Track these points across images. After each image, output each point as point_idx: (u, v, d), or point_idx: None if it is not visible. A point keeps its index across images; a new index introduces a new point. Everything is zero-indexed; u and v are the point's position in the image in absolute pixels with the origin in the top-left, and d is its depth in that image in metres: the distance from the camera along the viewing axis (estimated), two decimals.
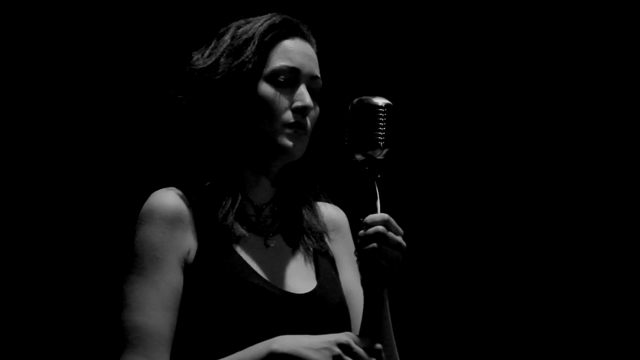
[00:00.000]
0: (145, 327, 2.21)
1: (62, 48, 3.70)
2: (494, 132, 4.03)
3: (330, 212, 2.46)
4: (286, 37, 2.34)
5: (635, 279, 3.96)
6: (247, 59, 2.30)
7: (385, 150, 2.18)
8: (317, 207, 2.43)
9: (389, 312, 2.27)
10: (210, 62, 2.33)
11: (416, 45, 3.99)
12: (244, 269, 2.26)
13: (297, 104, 2.30)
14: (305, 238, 2.38)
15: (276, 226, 2.36)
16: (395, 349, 2.31)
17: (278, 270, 2.32)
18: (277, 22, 2.34)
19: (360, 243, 2.14)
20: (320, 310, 2.29)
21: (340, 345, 2.12)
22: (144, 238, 2.25)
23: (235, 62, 2.31)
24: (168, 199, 2.27)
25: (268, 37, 2.32)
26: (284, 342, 2.15)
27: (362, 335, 2.15)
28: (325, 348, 2.12)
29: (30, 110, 3.69)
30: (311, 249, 2.38)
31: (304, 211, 2.40)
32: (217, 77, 2.31)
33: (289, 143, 2.29)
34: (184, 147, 2.35)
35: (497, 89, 4.02)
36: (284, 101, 2.30)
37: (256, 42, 2.31)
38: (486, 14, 4.00)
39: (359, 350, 2.12)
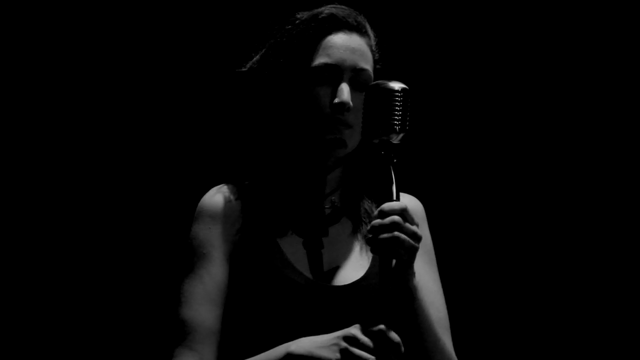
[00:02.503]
0: (192, 321, 2.26)
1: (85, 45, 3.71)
2: (502, 128, 4.03)
3: (405, 202, 2.42)
4: (329, 32, 2.34)
5: (635, 279, 3.98)
6: (292, 57, 2.32)
7: (401, 135, 2.18)
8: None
9: (423, 302, 2.23)
10: (260, 60, 2.37)
11: (429, 35, 4.00)
12: (281, 261, 2.28)
13: (335, 100, 2.30)
14: (363, 228, 2.38)
15: (333, 218, 2.37)
16: (441, 341, 2.26)
17: (324, 263, 2.33)
18: (320, 17, 2.35)
19: (376, 230, 2.12)
20: (361, 301, 2.28)
21: (347, 339, 2.11)
22: (193, 235, 2.33)
23: (281, 60, 2.34)
24: (216, 196, 2.35)
25: (311, 33, 2.33)
26: (300, 344, 2.16)
27: (378, 323, 2.12)
28: (333, 344, 2.12)
29: (50, 108, 3.70)
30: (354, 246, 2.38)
31: (364, 203, 2.41)
32: (266, 74, 2.35)
33: (331, 137, 2.30)
34: (236, 144, 2.39)
35: (504, 86, 4.03)
36: (324, 98, 2.31)
37: (300, 40, 2.33)
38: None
39: (365, 340, 2.10)
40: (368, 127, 2.19)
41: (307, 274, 2.29)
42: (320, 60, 2.32)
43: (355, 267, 2.33)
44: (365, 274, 2.32)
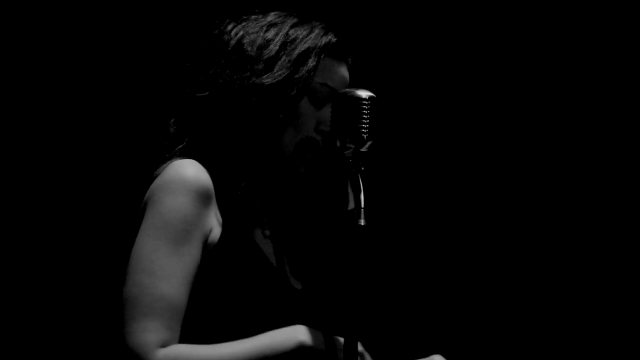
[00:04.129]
0: (171, 298, 2.16)
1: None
2: (481, 126, 4.05)
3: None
4: (337, 59, 2.39)
5: (633, 279, 3.99)
6: (305, 73, 2.33)
7: (368, 143, 2.19)
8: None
9: None
10: (264, 64, 2.35)
11: (402, 37, 4.02)
12: (265, 261, 2.28)
13: (323, 127, 2.36)
14: (290, 231, 2.42)
15: (269, 217, 2.39)
16: None
17: (280, 262, 2.35)
18: (333, 41, 2.38)
19: None
20: (314, 304, 2.33)
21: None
22: (176, 207, 2.20)
23: (291, 73, 2.33)
24: (201, 173, 2.24)
25: (324, 54, 2.37)
26: (308, 335, 2.17)
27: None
28: None
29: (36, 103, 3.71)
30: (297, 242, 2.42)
31: (287, 202, 2.44)
32: (268, 81, 2.33)
33: (301, 168, 2.35)
34: (209, 132, 2.33)
35: (486, 83, 4.04)
36: (311, 119, 2.36)
37: (315, 58, 2.35)
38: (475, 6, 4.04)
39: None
40: (336, 136, 2.21)
41: (291, 279, 2.32)
42: (327, 82, 2.36)
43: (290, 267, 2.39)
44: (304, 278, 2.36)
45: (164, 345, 2.14)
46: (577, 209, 4.01)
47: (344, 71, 2.40)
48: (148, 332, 2.13)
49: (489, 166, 4.04)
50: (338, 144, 2.20)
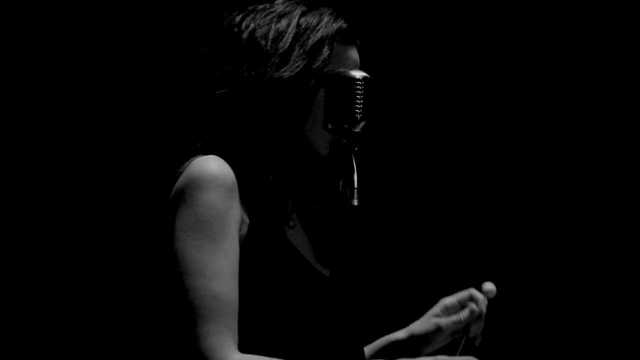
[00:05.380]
0: (225, 297, 2.12)
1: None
2: (479, 116, 4.05)
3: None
4: (347, 43, 2.34)
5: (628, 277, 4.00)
6: (321, 62, 2.28)
7: (362, 124, 2.19)
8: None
9: None
10: (280, 57, 2.29)
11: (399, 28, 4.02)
12: (296, 254, 2.26)
13: None
14: (311, 220, 2.39)
15: (292, 208, 2.36)
16: None
17: (306, 252, 2.32)
18: (344, 27, 2.33)
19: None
20: (342, 291, 2.30)
21: None
22: (209, 204, 2.16)
23: (308, 64, 2.28)
24: (226, 168, 2.20)
25: (336, 41, 2.32)
26: None
27: None
28: None
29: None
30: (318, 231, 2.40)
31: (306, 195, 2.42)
32: (287, 74, 2.28)
33: (324, 152, 2.30)
34: (231, 128, 2.29)
35: (495, 84, 4.04)
36: None
37: (329, 46, 2.30)
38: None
39: None
40: (329, 116, 2.20)
41: (319, 268, 2.30)
42: (335, 66, 2.31)
43: (320, 258, 2.37)
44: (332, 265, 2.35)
45: (230, 347, 2.11)
46: (573, 204, 4.02)
47: (355, 54, 2.37)
48: (211, 335, 2.10)
49: (486, 157, 4.04)
50: (330, 125, 2.19)
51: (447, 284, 3.97)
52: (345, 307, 2.25)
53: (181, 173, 2.22)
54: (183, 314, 2.11)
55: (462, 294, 2.47)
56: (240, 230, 2.21)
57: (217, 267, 2.13)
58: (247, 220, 2.22)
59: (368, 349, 2.48)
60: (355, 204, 2.13)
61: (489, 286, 2.46)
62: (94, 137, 3.72)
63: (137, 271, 3.62)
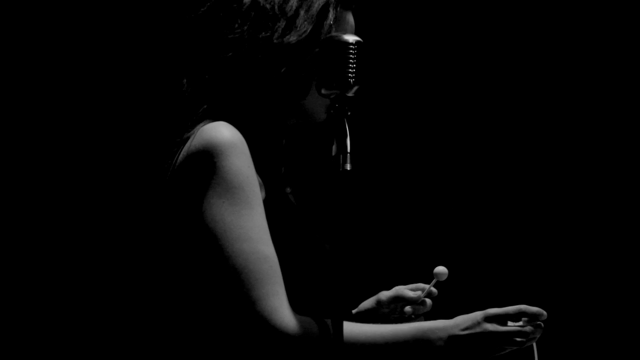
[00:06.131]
0: (274, 257, 2.15)
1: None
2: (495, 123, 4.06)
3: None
4: (346, 8, 2.37)
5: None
6: (327, 27, 2.30)
7: (355, 88, 2.19)
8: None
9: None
10: (286, 22, 2.31)
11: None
12: (301, 219, 2.29)
13: None
14: (303, 190, 2.42)
15: (289, 174, 2.39)
16: None
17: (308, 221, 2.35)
18: None
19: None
20: (341, 261, 2.31)
21: (489, 319, 2.17)
22: (237, 170, 2.17)
23: (314, 29, 2.30)
24: (239, 133, 2.20)
25: (339, 7, 2.34)
26: (439, 333, 2.17)
27: None
28: (481, 332, 2.17)
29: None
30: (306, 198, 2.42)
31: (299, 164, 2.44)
32: (294, 39, 2.29)
33: (323, 117, 2.33)
34: (236, 93, 2.30)
35: (494, 82, 4.05)
36: None
37: (334, 11, 2.32)
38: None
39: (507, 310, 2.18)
40: (322, 81, 2.19)
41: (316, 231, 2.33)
42: (336, 32, 2.32)
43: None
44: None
45: (287, 306, 2.13)
46: (569, 201, 4.03)
47: (352, 19, 2.39)
48: (270, 297, 2.11)
49: (482, 131, 4.05)
50: (323, 90, 2.19)
51: (436, 248, 4.00)
52: (339, 271, 2.25)
53: (188, 138, 2.22)
54: (234, 281, 2.11)
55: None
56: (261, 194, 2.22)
57: (260, 229, 2.15)
58: (262, 184, 2.24)
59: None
60: (348, 169, 2.13)
61: (440, 269, 2.47)
62: (91, 107, 3.73)
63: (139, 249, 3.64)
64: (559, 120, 4.04)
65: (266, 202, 2.23)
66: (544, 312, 2.21)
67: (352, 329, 2.16)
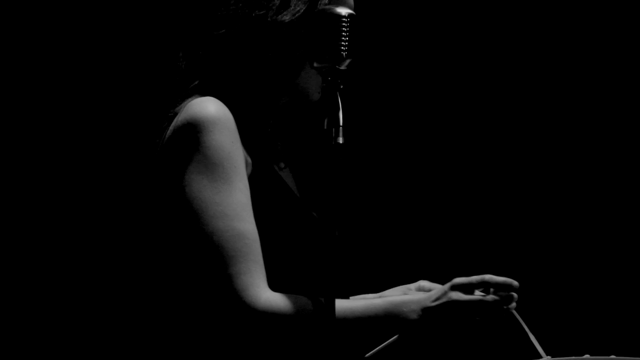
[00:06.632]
0: (250, 234, 2.15)
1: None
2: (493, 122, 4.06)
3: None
4: None
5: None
6: (321, 6, 2.29)
7: (347, 61, 2.17)
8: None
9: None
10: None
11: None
12: (290, 193, 2.28)
13: None
14: (295, 168, 2.42)
15: (283, 150, 2.38)
16: None
17: (300, 193, 2.36)
18: None
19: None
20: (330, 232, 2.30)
21: (455, 287, 2.18)
22: (218, 146, 2.17)
23: (308, 8, 2.30)
24: (225, 109, 2.21)
25: None
26: (411, 306, 2.18)
27: None
28: (446, 301, 2.17)
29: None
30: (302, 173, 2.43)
31: (292, 142, 2.44)
32: (287, 17, 2.29)
33: (317, 96, 2.33)
34: (228, 70, 2.30)
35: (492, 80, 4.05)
36: None
37: None
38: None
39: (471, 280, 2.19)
40: (314, 54, 2.18)
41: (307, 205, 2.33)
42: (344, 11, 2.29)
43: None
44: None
45: (261, 285, 2.13)
46: (566, 200, 4.04)
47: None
48: (242, 274, 2.12)
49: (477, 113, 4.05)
50: (315, 63, 2.18)
51: (429, 223, 4.00)
52: (329, 245, 2.25)
53: (176, 114, 2.23)
54: (209, 258, 2.13)
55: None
56: (246, 169, 2.22)
57: (237, 206, 2.15)
58: (249, 160, 2.24)
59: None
60: (341, 142, 2.12)
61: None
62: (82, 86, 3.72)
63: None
64: (554, 114, 4.05)
65: (253, 179, 2.23)
66: (513, 282, 2.21)
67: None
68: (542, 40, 4.03)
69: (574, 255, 4.04)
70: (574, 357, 2.24)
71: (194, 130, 2.17)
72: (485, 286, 2.21)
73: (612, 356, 2.25)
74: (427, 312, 2.18)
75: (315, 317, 2.14)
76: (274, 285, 2.17)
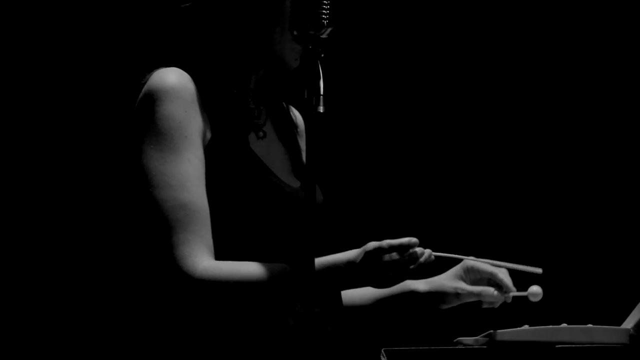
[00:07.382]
0: (193, 205, 2.16)
1: None
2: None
3: (296, 115, 2.47)
4: None
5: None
6: None
7: (329, 29, 2.16)
8: (290, 108, 2.47)
9: None
10: None
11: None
12: (257, 163, 2.27)
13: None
14: (288, 133, 2.41)
15: (264, 120, 2.36)
16: None
17: (276, 163, 2.34)
18: None
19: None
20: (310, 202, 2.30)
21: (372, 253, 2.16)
22: (169, 115, 2.19)
23: None
24: (184, 79, 2.23)
25: None
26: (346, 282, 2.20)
27: None
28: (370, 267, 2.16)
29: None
30: (295, 143, 2.42)
31: (283, 108, 2.43)
32: None
33: (295, 64, 2.31)
34: (196, 40, 2.30)
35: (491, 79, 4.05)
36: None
37: None
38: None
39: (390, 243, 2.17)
40: (295, 22, 2.17)
41: (283, 177, 2.31)
42: None
43: (291, 170, 2.38)
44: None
45: (199, 254, 2.14)
46: (565, 199, 4.04)
47: None
48: (182, 244, 2.14)
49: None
50: (295, 31, 2.16)
51: (412, 192, 4.00)
52: (308, 217, 2.24)
53: (144, 84, 2.24)
54: (153, 228, 2.16)
55: (487, 268, 2.42)
56: (203, 140, 2.22)
57: (182, 176, 2.16)
58: (209, 131, 2.24)
59: (386, 291, 2.47)
60: (321, 111, 2.11)
61: (535, 289, 2.43)
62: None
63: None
64: (550, 111, 4.06)
65: (213, 149, 2.23)
66: (410, 241, 2.17)
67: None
68: (540, 37, 4.03)
69: (574, 255, 4.05)
70: (550, 326, 2.24)
71: (150, 100, 2.20)
72: (390, 251, 2.18)
73: (589, 324, 2.25)
74: (351, 266, 2.18)
75: (264, 283, 2.15)
76: (226, 254, 2.19)
